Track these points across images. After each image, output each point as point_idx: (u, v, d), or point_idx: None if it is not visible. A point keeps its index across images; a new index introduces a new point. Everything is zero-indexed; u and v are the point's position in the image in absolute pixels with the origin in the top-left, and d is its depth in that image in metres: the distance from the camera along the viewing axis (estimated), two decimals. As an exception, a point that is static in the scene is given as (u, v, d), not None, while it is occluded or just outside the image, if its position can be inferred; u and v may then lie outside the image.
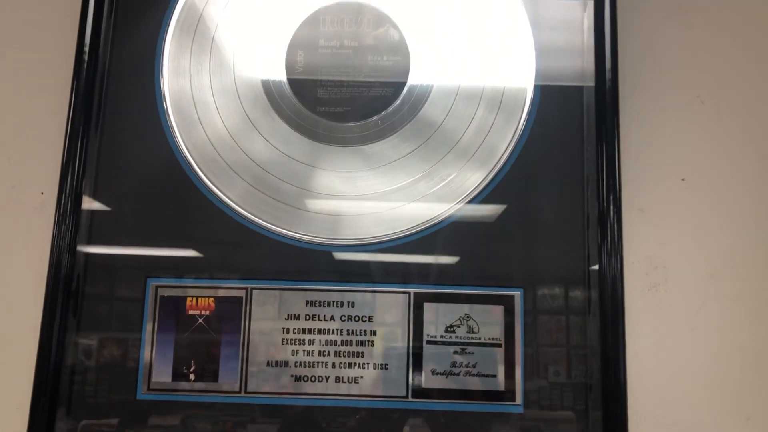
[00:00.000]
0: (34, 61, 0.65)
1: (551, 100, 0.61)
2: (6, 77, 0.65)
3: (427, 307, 0.58)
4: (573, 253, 0.59)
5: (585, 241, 0.59)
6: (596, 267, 0.57)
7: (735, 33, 0.64)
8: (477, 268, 0.59)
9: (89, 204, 0.60)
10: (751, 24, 0.64)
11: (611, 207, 0.58)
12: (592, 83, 0.60)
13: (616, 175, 0.58)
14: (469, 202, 0.60)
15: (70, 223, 0.59)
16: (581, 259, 0.58)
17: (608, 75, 0.60)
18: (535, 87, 0.61)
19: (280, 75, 0.62)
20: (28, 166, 0.63)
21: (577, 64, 0.62)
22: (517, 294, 0.58)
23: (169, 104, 0.62)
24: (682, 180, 0.61)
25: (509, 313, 0.58)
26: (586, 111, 0.61)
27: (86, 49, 0.62)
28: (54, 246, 0.59)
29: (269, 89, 0.62)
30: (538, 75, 0.62)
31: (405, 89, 0.62)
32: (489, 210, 0.60)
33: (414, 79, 0.62)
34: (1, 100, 0.64)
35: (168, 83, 0.62)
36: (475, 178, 0.60)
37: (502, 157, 0.60)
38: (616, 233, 0.58)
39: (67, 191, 0.59)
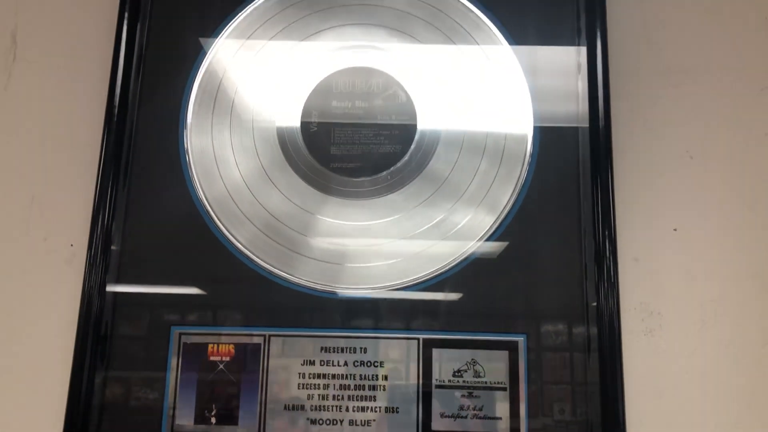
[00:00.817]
0: (65, 120, 0.69)
1: (550, 149, 0.66)
2: (39, 136, 0.69)
3: (436, 352, 0.61)
4: (572, 299, 0.62)
5: (583, 289, 0.62)
6: (595, 312, 0.61)
7: (721, 92, 0.68)
8: (482, 312, 0.62)
9: (117, 254, 0.64)
10: (735, 84, 0.68)
11: (608, 256, 0.62)
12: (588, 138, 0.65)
13: (612, 225, 0.62)
14: (476, 250, 0.63)
15: (98, 273, 0.63)
16: (581, 305, 0.62)
17: (602, 123, 0.64)
18: (534, 136, 0.66)
19: (295, 133, 0.67)
20: (59, 219, 0.67)
21: (572, 111, 0.66)
22: (521, 339, 0.61)
23: (192, 160, 0.66)
24: (674, 230, 0.65)
25: (513, 358, 0.61)
26: (581, 163, 0.65)
27: (116, 110, 0.66)
28: (84, 295, 0.62)
29: (285, 146, 0.67)
30: (537, 119, 0.66)
31: (412, 146, 0.66)
32: (492, 258, 0.63)
33: (420, 136, 0.66)
34: (34, 158, 0.68)
35: (191, 141, 0.66)
36: (481, 227, 0.64)
37: (505, 207, 0.64)
38: (613, 281, 0.61)
39: (97, 243, 0.63)
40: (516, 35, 0.68)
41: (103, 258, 0.63)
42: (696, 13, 0.70)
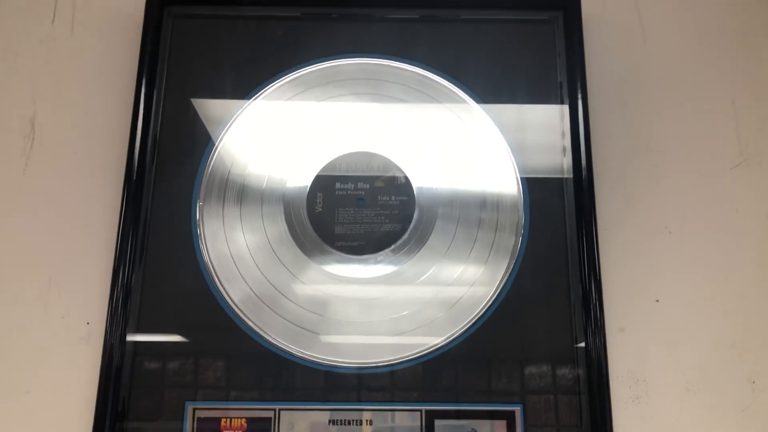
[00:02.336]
0: (82, 203, 0.73)
1: (539, 224, 0.70)
2: (57, 218, 0.73)
3: (438, 423, 0.65)
4: (565, 371, 0.66)
5: (574, 360, 0.66)
6: (586, 381, 0.65)
7: (695, 171, 0.73)
8: (481, 383, 0.66)
9: (133, 333, 0.68)
10: (708, 163, 0.74)
11: (595, 327, 0.66)
12: (574, 215, 0.70)
13: (599, 298, 0.67)
14: (471, 326, 0.68)
15: (116, 350, 0.66)
16: (573, 375, 0.66)
17: (586, 203, 0.69)
18: (525, 208, 0.71)
19: (302, 213, 0.71)
20: (75, 298, 0.70)
21: (560, 189, 0.71)
22: (518, 409, 0.65)
23: (204, 241, 0.70)
24: (656, 301, 0.70)
25: (511, 426, 0.65)
26: (569, 239, 0.70)
27: (132, 193, 0.70)
28: (102, 371, 0.65)
29: (292, 226, 0.71)
30: (527, 192, 0.71)
31: (411, 224, 0.71)
32: (490, 332, 0.68)
33: (419, 214, 0.71)
34: (51, 240, 0.72)
35: (203, 222, 0.71)
36: (479, 301, 0.68)
37: (500, 283, 0.69)
38: (601, 350, 0.66)
39: (113, 321, 0.67)
40: (504, 123, 0.74)
41: (120, 335, 0.66)
42: (669, 99, 0.76)
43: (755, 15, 0.79)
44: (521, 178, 0.72)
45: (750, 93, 0.76)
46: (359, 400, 0.66)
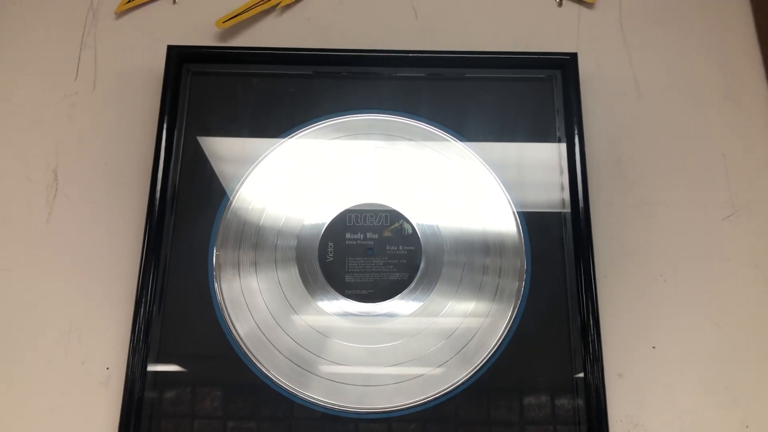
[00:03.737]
0: (102, 252, 0.76)
1: (541, 272, 0.74)
2: (78, 267, 0.76)
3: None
4: (566, 417, 0.69)
5: (576, 407, 0.69)
6: (586, 428, 0.68)
7: (688, 222, 0.77)
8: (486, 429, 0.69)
9: (152, 377, 0.70)
10: (700, 214, 0.77)
11: (595, 373, 0.69)
12: (573, 264, 0.74)
13: (598, 345, 0.70)
14: (475, 374, 0.71)
15: (135, 395, 0.69)
16: (574, 422, 0.69)
17: (584, 252, 0.73)
18: (527, 259, 0.74)
19: (314, 263, 0.75)
20: (95, 344, 0.73)
21: (559, 238, 0.75)
22: (520, 453, 0.68)
23: (221, 291, 0.73)
24: (653, 348, 0.73)
25: (514, 470, 0.68)
26: (569, 286, 0.73)
27: (152, 244, 0.73)
28: (122, 419, 0.68)
29: (305, 275, 0.74)
30: (529, 239, 0.75)
31: (418, 273, 0.74)
32: (491, 381, 0.71)
33: (425, 264, 0.75)
34: (72, 287, 0.75)
35: (219, 273, 0.74)
36: (483, 351, 0.71)
37: (503, 332, 0.72)
38: (601, 396, 0.69)
39: (133, 366, 0.69)
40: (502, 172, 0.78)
41: (141, 381, 0.69)
42: (663, 153, 0.80)
43: (743, 73, 0.84)
44: (521, 220, 0.76)
45: (739, 146, 0.80)
46: (369, 444, 0.69)
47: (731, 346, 0.73)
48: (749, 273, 0.75)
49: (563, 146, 0.77)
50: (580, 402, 0.69)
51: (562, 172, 0.77)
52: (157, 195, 0.75)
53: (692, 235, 0.77)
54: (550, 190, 0.77)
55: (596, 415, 0.68)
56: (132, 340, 0.70)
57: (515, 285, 0.74)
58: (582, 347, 0.70)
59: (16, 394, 0.71)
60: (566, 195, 0.76)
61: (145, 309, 0.71)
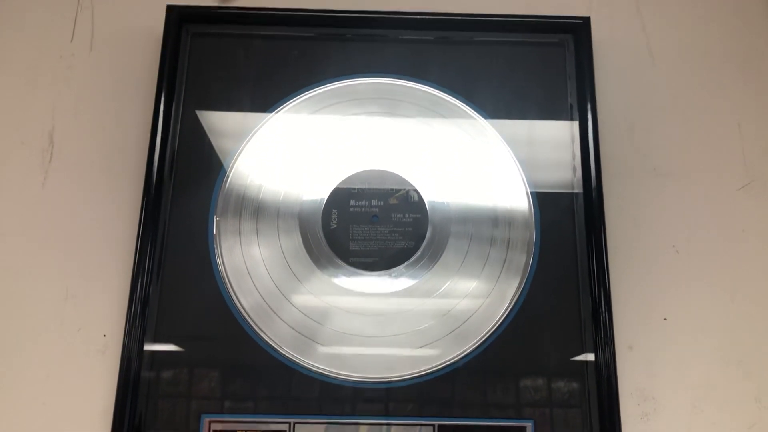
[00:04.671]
0: (100, 218, 0.74)
1: (550, 240, 0.72)
2: (74, 232, 0.74)
3: (450, 437, 0.66)
4: (575, 387, 0.67)
5: (585, 377, 0.68)
6: (596, 398, 0.66)
7: (701, 193, 0.75)
8: (493, 399, 0.67)
9: (150, 344, 0.68)
10: (714, 185, 0.75)
11: (605, 345, 0.67)
12: (584, 233, 0.72)
13: (609, 317, 0.68)
14: (483, 343, 0.69)
15: (133, 363, 0.67)
16: (583, 392, 0.67)
17: (596, 222, 0.71)
18: (536, 224, 0.72)
19: (317, 230, 0.72)
20: (92, 312, 0.71)
21: (569, 206, 0.73)
22: (529, 425, 0.66)
23: (221, 256, 0.71)
24: (665, 319, 0.71)
25: (522, 442, 0.66)
26: (579, 257, 0.71)
27: (150, 208, 0.71)
28: (119, 385, 0.66)
29: (308, 242, 0.72)
30: (537, 206, 0.73)
31: (424, 242, 0.72)
32: (501, 349, 0.69)
33: (432, 232, 0.73)
34: (69, 254, 0.73)
35: (220, 237, 0.72)
36: (492, 317, 0.69)
37: (512, 300, 0.70)
38: (611, 367, 0.67)
39: (131, 334, 0.68)
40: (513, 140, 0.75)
41: (137, 347, 0.67)
42: (677, 121, 0.78)
43: (760, 40, 0.81)
44: (532, 195, 0.73)
45: (755, 115, 0.78)
46: (372, 414, 0.67)
47: (745, 318, 0.71)
48: (764, 244, 0.73)
49: (575, 114, 0.75)
50: (591, 375, 0.67)
51: (573, 140, 0.75)
52: (156, 160, 0.72)
53: (706, 205, 0.75)
54: (562, 161, 0.75)
55: (606, 388, 0.66)
56: (130, 308, 0.68)
57: (523, 258, 0.72)
58: (592, 319, 0.68)
59: (11, 361, 0.70)
60: (577, 163, 0.73)
61: (143, 276, 0.69)
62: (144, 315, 0.68)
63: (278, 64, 0.78)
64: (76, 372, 0.69)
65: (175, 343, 0.69)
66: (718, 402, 0.68)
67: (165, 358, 0.68)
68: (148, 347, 0.68)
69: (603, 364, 0.67)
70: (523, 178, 0.74)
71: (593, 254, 0.70)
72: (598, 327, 0.68)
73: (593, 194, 0.72)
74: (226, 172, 0.74)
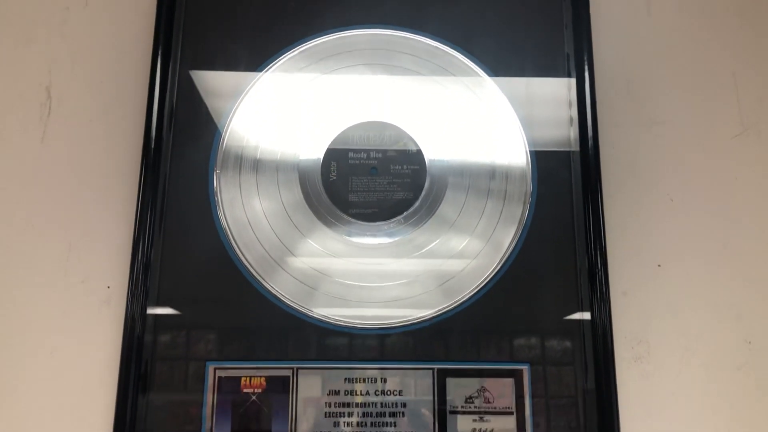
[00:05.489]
0: (100, 170, 0.74)
1: (547, 192, 0.73)
2: (75, 185, 0.74)
3: (449, 381, 0.68)
4: (571, 331, 0.69)
5: (580, 322, 0.69)
6: (591, 342, 0.68)
7: (696, 141, 0.76)
8: (490, 343, 0.69)
9: (154, 295, 0.70)
10: (709, 133, 0.76)
11: (601, 291, 0.69)
12: (580, 183, 0.73)
13: (604, 263, 0.70)
14: (480, 290, 0.70)
15: (138, 312, 0.68)
16: (578, 336, 0.69)
17: (592, 171, 0.72)
18: (533, 176, 0.73)
19: (317, 181, 0.73)
20: (95, 263, 0.72)
21: (566, 156, 0.74)
22: (525, 368, 0.68)
23: (222, 207, 0.72)
24: (658, 266, 0.73)
25: (519, 384, 0.68)
26: (575, 205, 0.72)
27: (151, 160, 0.72)
28: (125, 334, 0.68)
29: (307, 193, 0.73)
30: (534, 159, 0.74)
31: (423, 192, 0.73)
32: (497, 295, 0.70)
33: (430, 183, 0.73)
34: (70, 206, 0.74)
35: (220, 189, 0.72)
36: (488, 265, 0.71)
37: (508, 248, 0.71)
38: (605, 313, 0.69)
39: (136, 284, 0.69)
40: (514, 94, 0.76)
41: (142, 298, 0.69)
42: (672, 71, 0.78)
43: (756, -11, 0.81)
44: (529, 150, 0.74)
45: (750, 65, 0.79)
46: (373, 360, 0.68)
47: (737, 264, 0.73)
48: (757, 192, 0.75)
49: (572, 62, 0.75)
50: (586, 320, 0.69)
51: (570, 90, 0.75)
52: (154, 113, 0.73)
53: (700, 154, 0.76)
54: (558, 106, 0.75)
55: (601, 332, 0.68)
56: (134, 260, 0.69)
57: (519, 209, 0.73)
58: (587, 265, 0.70)
59: (16, 313, 0.71)
60: (574, 113, 0.74)
61: (145, 228, 0.70)
62: (147, 268, 0.70)
63: (275, 16, 0.78)
64: (82, 323, 0.71)
65: (179, 296, 0.70)
66: (709, 344, 0.70)
67: (169, 311, 0.70)
68: (152, 298, 0.69)
69: (598, 310, 0.69)
70: (520, 131, 0.75)
71: (589, 203, 0.71)
72: (594, 274, 0.69)
73: (589, 143, 0.73)
74: (225, 126, 0.74)
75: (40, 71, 0.78)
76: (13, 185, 0.74)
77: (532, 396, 0.68)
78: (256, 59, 0.77)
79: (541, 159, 0.74)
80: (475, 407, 0.67)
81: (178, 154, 0.73)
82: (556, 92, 0.76)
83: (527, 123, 0.75)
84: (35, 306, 0.71)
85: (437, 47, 0.77)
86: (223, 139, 0.74)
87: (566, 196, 0.73)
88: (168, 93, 0.74)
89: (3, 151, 0.75)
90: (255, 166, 0.74)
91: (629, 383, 0.69)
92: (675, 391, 0.69)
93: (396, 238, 0.72)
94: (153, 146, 0.72)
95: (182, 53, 0.76)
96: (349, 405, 0.68)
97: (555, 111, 0.75)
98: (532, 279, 0.71)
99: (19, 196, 0.74)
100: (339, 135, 0.75)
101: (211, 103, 0.75)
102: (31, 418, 0.68)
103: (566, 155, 0.74)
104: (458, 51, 0.77)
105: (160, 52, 0.75)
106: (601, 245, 0.70)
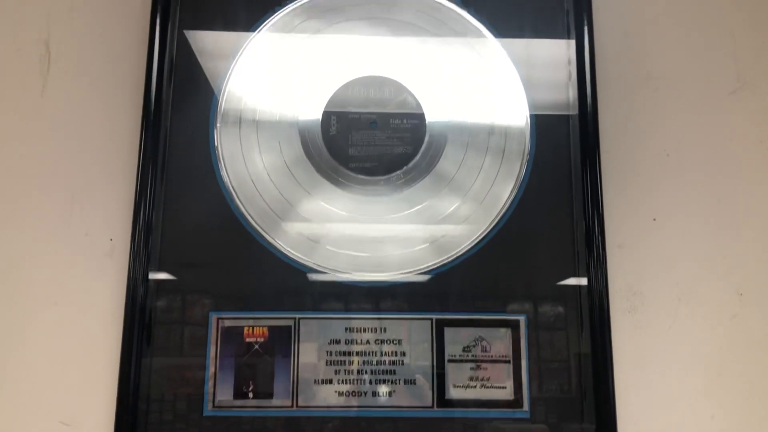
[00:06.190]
0: (101, 123, 0.75)
1: (545, 148, 0.73)
2: (76, 138, 0.74)
3: (447, 330, 0.69)
4: (566, 282, 0.70)
5: (576, 273, 0.71)
6: (586, 293, 0.69)
7: (693, 96, 0.77)
8: (488, 294, 0.70)
9: (157, 246, 0.70)
10: (706, 88, 0.77)
11: (597, 244, 0.70)
12: (578, 137, 0.73)
13: (601, 216, 0.71)
14: (479, 242, 0.71)
15: (141, 264, 0.69)
16: (574, 287, 0.70)
17: (590, 126, 0.73)
18: (531, 132, 0.74)
19: (317, 135, 0.74)
20: (97, 216, 0.73)
21: (564, 111, 0.74)
22: (522, 318, 0.70)
23: (222, 160, 0.73)
24: (654, 220, 0.74)
25: (515, 335, 0.70)
26: (573, 159, 0.73)
27: (151, 112, 0.72)
28: (129, 285, 0.68)
29: (308, 149, 0.74)
30: (534, 115, 0.74)
31: (422, 147, 0.74)
32: (495, 247, 0.71)
33: (429, 138, 0.74)
34: (72, 160, 0.74)
35: (221, 142, 0.73)
36: (486, 219, 0.72)
37: (506, 202, 0.72)
38: (602, 265, 0.70)
39: (139, 235, 0.69)
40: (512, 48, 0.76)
41: (145, 250, 0.69)
42: (670, 26, 0.78)
43: (756, -55, 0.81)
44: (529, 107, 0.75)
45: (748, 22, 0.79)
46: (373, 310, 0.70)
47: (731, 218, 0.74)
48: (753, 148, 0.76)
49: (571, 18, 0.75)
50: (582, 272, 0.70)
51: (569, 46, 0.75)
52: (155, 67, 0.73)
53: (697, 110, 0.76)
54: (557, 61, 0.75)
55: (596, 284, 0.69)
56: (137, 215, 0.70)
57: (518, 164, 0.73)
58: (584, 217, 0.71)
59: (20, 263, 0.71)
60: (573, 68, 0.75)
61: (147, 182, 0.71)
62: (150, 221, 0.70)
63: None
64: (86, 275, 0.71)
65: (182, 248, 0.71)
66: (702, 296, 0.72)
67: (172, 263, 0.71)
68: (155, 251, 0.70)
69: (594, 262, 0.70)
70: (520, 86, 0.75)
71: (586, 157, 0.72)
72: (590, 227, 0.71)
73: (588, 99, 0.73)
74: (224, 80, 0.74)
75: (38, 26, 0.77)
76: (14, 138, 0.74)
77: (528, 346, 0.69)
78: (258, 12, 0.76)
79: (540, 116, 0.74)
80: (472, 356, 0.69)
81: (178, 108, 0.74)
82: (555, 50, 0.76)
83: (527, 79, 0.75)
84: (40, 259, 0.72)
85: (441, 3, 0.77)
86: (223, 93, 0.74)
87: (564, 152, 0.74)
88: (168, 45, 0.74)
89: (3, 105, 0.75)
90: (255, 120, 0.74)
91: (623, 334, 0.71)
92: (667, 340, 0.71)
93: (395, 194, 0.73)
94: (153, 100, 0.72)
95: (182, 6, 0.76)
96: (349, 354, 0.69)
97: (554, 68, 0.76)
98: (530, 233, 0.72)
99: (20, 149, 0.74)
100: (339, 89, 0.75)
101: (212, 57, 0.75)
102: (35, 367, 0.69)
103: (565, 110, 0.75)
104: (457, 3, 0.77)
105: (159, 5, 0.74)
106: (598, 200, 0.71)
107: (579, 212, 0.72)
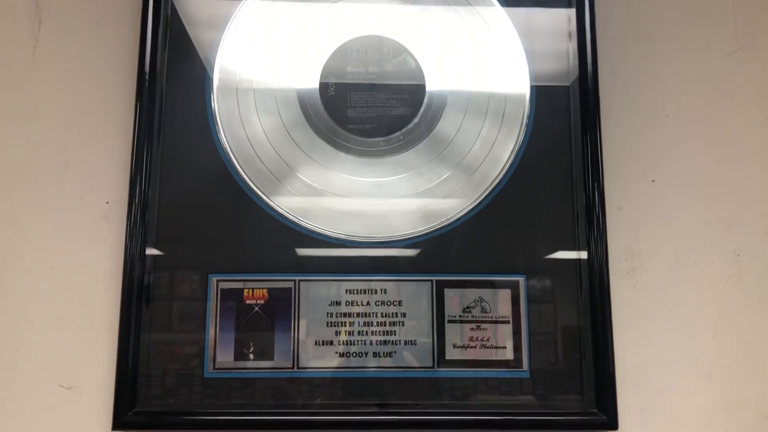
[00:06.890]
0: (94, 83, 0.73)
1: (545, 111, 0.73)
2: (70, 99, 0.73)
3: (447, 292, 0.70)
4: (567, 243, 0.71)
5: (575, 234, 0.71)
6: (586, 254, 0.70)
7: (692, 58, 0.76)
8: (488, 256, 0.70)
9: (154, 209, 0.70)
10: (705, 50, 0.77)
11: (596, 205, 0.70)
12: (578, 99, 0.73)
13: (600, 178, 0.71)
14: (479, 204, 0.71)
15: (139, 227, 0.68)
16: (574, 248, 0.71)
17: (590, 86, 0.72)
18: (531, 97, 0.73)
19: (315, 96, 0.73)
20: (93, 179, 0.72)
21: (563, 72, 0.74)
22: (521, 279, 0.70)
23: (220, 122, 0.72)
24: (652, 181, 0.74)
25: (515, 295, 0.70)
26: (573, 121, 0.73)
27: (146, 74, 0.71)
28: (127, 248, 0.68)
29: (306, 108, 0.73)
30: (533, 80, 0.74)
31: (422, 109, 0.73)
32: (496, 209, 0.71)
33: (429, 99, 0.73)
34: (66, 122, 0.73)
35: (218, 104, 0.72)
36: (485, 182, 0.72)
37: (505, 164, 0.72)
38: (601, 226, 0.70)
39: (136, 199, 0.69)
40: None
41: (143, 213, 0.69)
42: (672, -13, 0.78)
43: None
44: (529, 67, 0.74)
45: (748, -17, 0.79)
46: (374, 272, 0.70)
47: (728, 180, 0.74)
48: (751, 109, 0.76)
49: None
50: (581, 234, 0.70)
51: (571, 3, 0.75)
52: (149, 25, 0.71)
53: (696, 71, 0.76)
54: (559, 26, 0.75)
55: (595, 245, 0.69)
56: (135, 175, 0.69)
57: (517, 126, 0.73)
58: (583, 179, 0.71)
59: (16, 226, 0.71)
60: (573, 28, 0.74)
61: (143, 145, 0.70)
62: (147, 181, 0.69)
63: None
64: (82, 238, 0.71)
65: (178, 211, 0.70)
66: (699, 256, 0.72)
67: (170, 226, 0.70)
68: (152, 214, 0.70)
69: (594, 224, 0.70)
70: (520, 46, 0.74)
71: (586, 118, 0.72)
72: (590, 189, 0.70)
73: (588, 59, 0.73)
74: (221, 38, 0.73)
75: (28, -16, 0.76)
76: (6, 100, 0.73)
77: (528, 306, 0.70)
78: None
79: (540, 80, 0.74)
80: (472, 317, 0.69)
81: (174, 66, 0.72)
82: (557, 18, 0.75)
83: (526, 36, 0.75)
84: (36, 223, 0.71)
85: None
86: (221, 51, 0.73)
87: (564, 114, 0.73)
88: (162, 9, 0.73)
89: (-7, 66, 0.74)
90: (252, 76, 0.73)
91: (622, 294, 0.71)
92: (665, 301, 0.72)
93: (395, 155, 0.72)
94: (148, 60, 0.71)
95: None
96: (350, 315, 0.69)
97: (556, 35, 0.75)
98: (529, 196, 0.72)
99: (12, 112, 0.73)
100: (337, 49, 0.74)
101: (209, 14, 0.74)
102: (34, 330, 0.69)
103: (565, 74, 0.74)
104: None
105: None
106: (597, 161, 0.71)
107: (579, 173, 0.71)
